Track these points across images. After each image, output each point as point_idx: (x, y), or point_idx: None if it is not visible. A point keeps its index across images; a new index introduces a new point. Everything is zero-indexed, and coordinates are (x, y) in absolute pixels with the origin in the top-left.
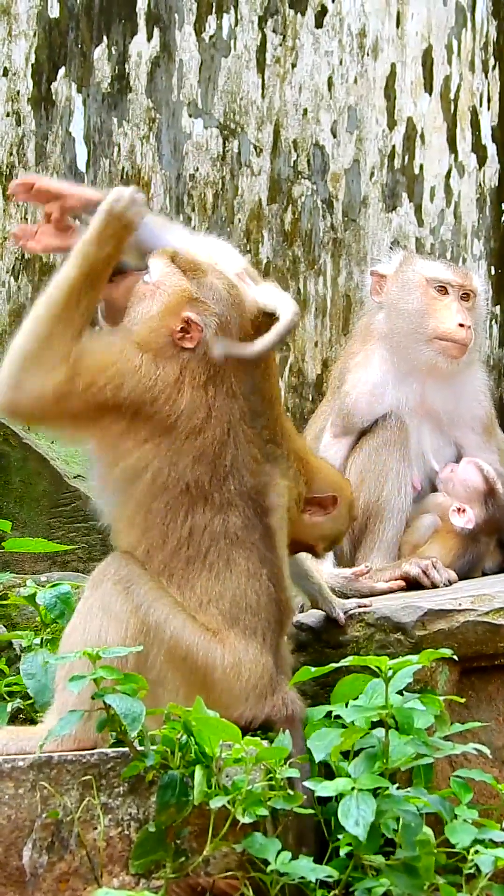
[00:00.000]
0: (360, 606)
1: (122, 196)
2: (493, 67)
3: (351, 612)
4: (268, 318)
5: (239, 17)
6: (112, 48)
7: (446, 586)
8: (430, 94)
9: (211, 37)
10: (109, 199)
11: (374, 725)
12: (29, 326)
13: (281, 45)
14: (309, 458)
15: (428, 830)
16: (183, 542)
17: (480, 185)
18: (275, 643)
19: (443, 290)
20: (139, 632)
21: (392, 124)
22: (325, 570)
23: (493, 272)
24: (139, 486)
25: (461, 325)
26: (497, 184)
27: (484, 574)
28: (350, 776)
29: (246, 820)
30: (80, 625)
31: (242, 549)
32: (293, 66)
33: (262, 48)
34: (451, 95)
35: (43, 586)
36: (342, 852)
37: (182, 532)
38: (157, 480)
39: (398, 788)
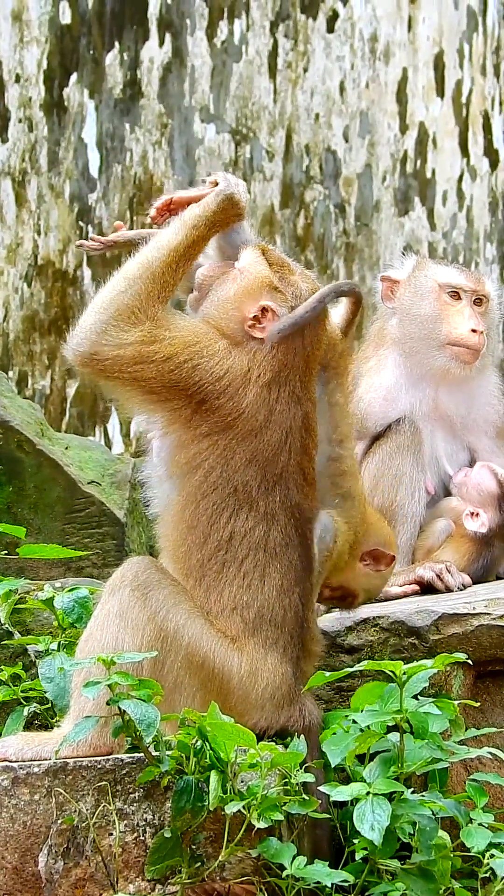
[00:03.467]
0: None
1: (237, 182)
2: None
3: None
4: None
5: (250, 22)
6: (124, 54)
7: (460, 590)
8: (442, 99)
9: (223, 42)
10: (227, 182)
11: (390, 730)
12: (121, 281)
13: (293, 50)
14: (367, 507)
15: (443, 834)
16: (223, 545)
17: (493, 188)
18: (295, 656)
19: (455, 295)
20: (156, 638)
21: (404, 129)
22: None
23: None
24: (192, 481)
25: (474, 331)
26: None
27: (498, 578)
28: (365, 781)
29: (261, 825)
30: (97, 631)
31: (279, 565)
32: (305, 70)
33: (273, 53)
34: (463, 99)
35: (59, 591)
36: (358, 857)
37: (223, 534)
38: (209, 478)
39: (413, 792)
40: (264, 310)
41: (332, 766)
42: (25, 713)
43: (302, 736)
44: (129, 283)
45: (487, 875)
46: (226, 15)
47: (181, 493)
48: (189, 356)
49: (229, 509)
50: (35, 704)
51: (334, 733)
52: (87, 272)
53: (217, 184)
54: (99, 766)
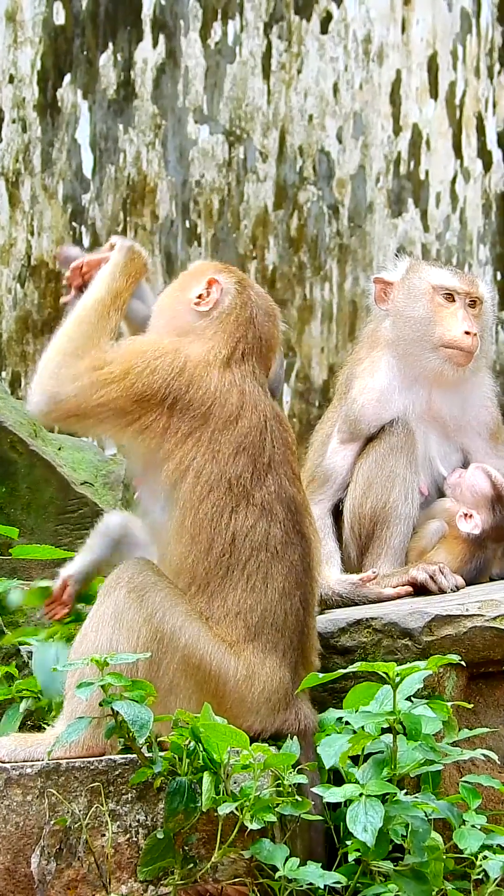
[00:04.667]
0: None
1: (133, 243)
2: (499, 73)
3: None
4: None
5: (244, 23)
6: (118, 55)
7: (454, 592)
8: (436, 100)
9: (216, 43)
10: (124, 239)
11: (383, 731)
12: (60, 338)
13: (286, 51)
14: None
15: (436, 836)
16: (226, 548)
17: (486, 190)
18: (294, 661)
19: (449, 297)
20: (151, 640)
21: (398, 130)
22: (332, 575)
23: (498, 277)
24: (186, 487)
25: (467, 333)
26: (503, 189)
27: (491, 580)
28: (358, 782)
29: (254, 826)
30: (91, 632)
31: (282, 566)
32: (299, 72)
33: (267, 54)
34: (457, 101)
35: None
36: (351, 858)
37: (226, 537)
38: (202, 478)
39: (406, 794)
40: (210, 282)
41: (327, 767)
42: (21, 709)
43: (295, 737)
44: (69, 337)
45: (480, 877)
46: (220, 16)
47: (178, 504)
48: (144, 363)
49: (228, 507)
50: (31, 701)
51: (328, 735)
52: None
53: (114, 245)
54: (91, 767)
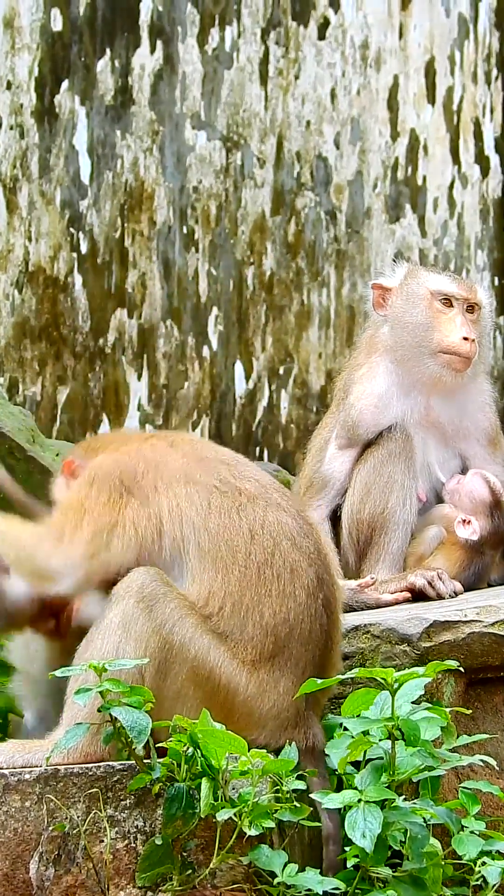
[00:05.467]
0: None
1: None
2: (496, 78)
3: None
4: None
5: (242, 29)
6: (115, 61)
7: (452, 598)
8: (433, 106)
9: (214, 49)
10: None
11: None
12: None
13: (284, 57)
14: None
15: (435, 842)
16: (249, 547)
17: (483, 195)
18: (316, 675)
19: (447, 302)
20: (160, 649)
21: (395, 135)
22: None
23: (496, 283)
24: (186, 526)
25: (465, 339)
26: (500, 194)
27: (489, 585)
28: (357, 788)
29: (252, 832)
30: (98, 639)
31: (303, 558)
32: (296, 77)
33: (264, 60)
34: (454, 106)
35: None
36: (349, 864)
37: (245, 535)
38: (194, 503)
39: (405, 800)
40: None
41: (333, 772)
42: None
43: (293, 744)
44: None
45: (479, 883)
46: (217, 22)
47: (190, 542)
48: (85, 487)
49: (233, 508)
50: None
51: (331, 739)
52: (78, 279)
53: None
54: (90, 773)
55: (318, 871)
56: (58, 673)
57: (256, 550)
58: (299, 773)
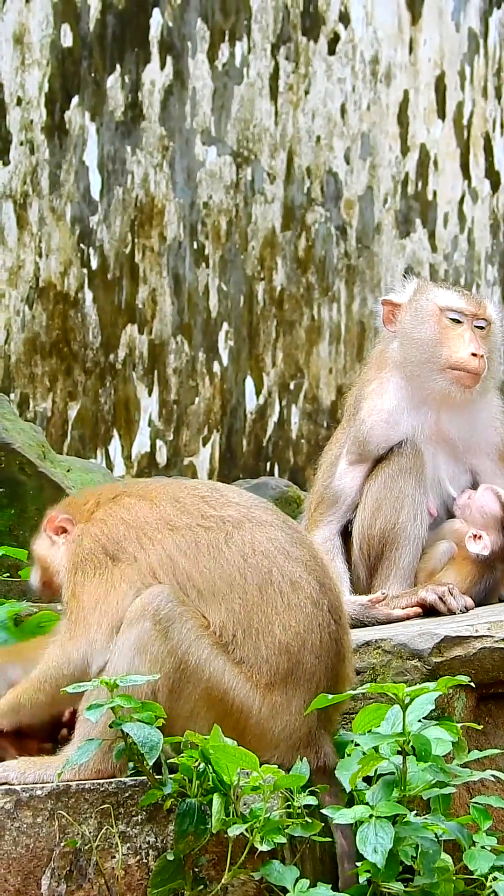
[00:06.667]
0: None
1: None
2: None
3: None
4: None
5: (252, 44)
6: (125, 76)
7: (463, 613)
8: (444, 121)
9: (224, 65)
10: None
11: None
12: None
13: (294, 72)
14: None
15: (446, 857)
16: (245, 570)
17: (494, 210)
18: (327, 688)
19: (457, 318)
20: (174, 670)
21: (405, 150)
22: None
23: None
24: (178, 573)
25: (474, 355)
26: None
27: (500, 600)
28: (368, 803)
29: (264, 848)
30: (112, 660)
31: (300, 569)
32: (306, 93)
33: (275, 75)
34: (464, 121)
35: None
36: (361, 879)
37: (237, 562)
38: (181, 549)
39: (416, 815)
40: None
41: (346, 790)
42: None
43: (305, 759)
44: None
45: None
46: (227, 37)
47: (187, 590)
48: (78, 576)
49: (220, 539)
50: None
51: (342, 756)
52: (88, 294)
53: None
54: (101, 789)
55: (330, 886)
56: (69, 689)
57: (251, 573)
58: (311, 788)
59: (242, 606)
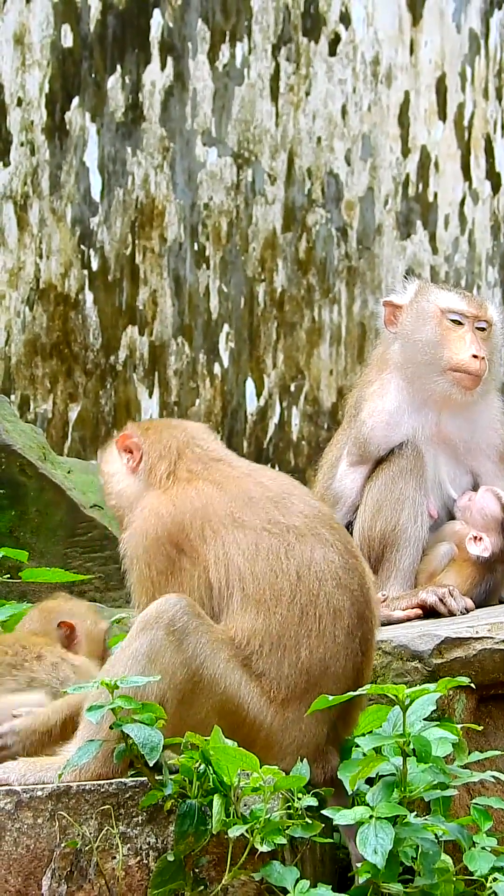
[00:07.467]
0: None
1: None
2: None
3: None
4: None
5: (252, 45)
6: (126, 77)
7: (463, 614)
8: (444, 122)
9: (224, 66)
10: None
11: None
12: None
13: (294, 73)
14: None
15: (446, 858)
16: (294, 589)
17: (495, 212)
18: (335, 716)
19: (457, 320)
20: (186, 681)
21: (406, 152)
22: None
23: None
24: (233, 572)
25: (475, 357)
26: None
27: (501, 602)
28: (369, 804)
29: (264, 848)
30: (120, 666)
31: (346, 598)
32: (307, 94)
33: (275, 77)
34: (465, 123)
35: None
36: (361, 880)
37: (291, 577)
38: (241, 548)
39: (416, 816)
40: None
41: (348, 792)
42: None
43: (305, 760)
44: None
45: None
46: (227, 38)
47: (235, 591)
48: (143, 570)
49: (281, 549)
50: None
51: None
52: (89, 296)
53: None
54: (102, 790)
55: (331, 887)
56: (70, 690)
57: (301, 592)
58: (314, 791)
59: (280, 622)
